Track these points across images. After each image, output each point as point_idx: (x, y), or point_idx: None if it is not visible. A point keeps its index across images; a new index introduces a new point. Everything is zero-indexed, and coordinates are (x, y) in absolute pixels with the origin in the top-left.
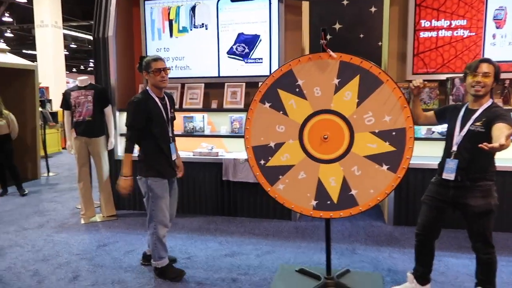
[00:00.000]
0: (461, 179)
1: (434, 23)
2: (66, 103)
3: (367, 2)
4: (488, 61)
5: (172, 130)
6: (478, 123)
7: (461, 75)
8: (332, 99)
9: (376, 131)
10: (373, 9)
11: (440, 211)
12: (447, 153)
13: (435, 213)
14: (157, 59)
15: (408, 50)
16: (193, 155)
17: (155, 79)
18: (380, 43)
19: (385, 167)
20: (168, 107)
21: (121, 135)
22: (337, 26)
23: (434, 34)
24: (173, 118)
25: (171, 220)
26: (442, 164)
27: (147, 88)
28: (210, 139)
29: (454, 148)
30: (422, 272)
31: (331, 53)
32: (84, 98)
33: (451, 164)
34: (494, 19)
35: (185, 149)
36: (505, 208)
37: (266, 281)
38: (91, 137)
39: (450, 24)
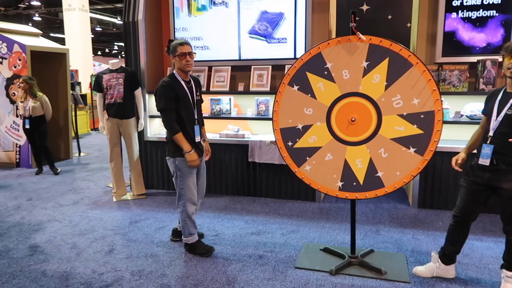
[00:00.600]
0: (496, 162)
1: (466, 2)
2: (98, 85)
3: None
4: None
5: (199, 113)
6: None
7: (492, 57)
8: (361, 82)
9: (404, 114)
10: None
11: (477, 194)
12: (484, 138)
13: (472, 196)
14: (183, 43)
15: (438, 32)
16: (220, 137)
17: (181, 63)
18: (409, 25)
19: (412, 150)
20: (194, 90)
21: (151, 117)
22: (365, 7)
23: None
24: (200, 101)
25: (200, 199)
26: (479, 148)
27: (174, 71)
28: (236, 121)
29: (491, 133)
30: (451, 252)
31: (361, 36)
32: (115, 80)
33: (487, 149)
34: None
35: (212, 131)
36: None
37: (292, 258)
38: (122, 118)
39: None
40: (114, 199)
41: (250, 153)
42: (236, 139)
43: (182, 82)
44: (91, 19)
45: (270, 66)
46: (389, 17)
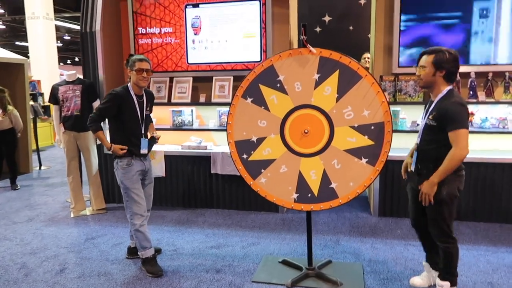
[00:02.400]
0: (420, 167)
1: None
2: (54, 97)
3: None
4: (427, 51)
5: (147, 127)
6: (430, 117)
7: None
8: (313, 94)
9: (356, 125)
10: (362, 1)
11: (416, 199)
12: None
13: (415, 201)
14: (143, 59)
15: (394, 43)
16: (182, 149)
17: (137, 77)
18: (369, 35)
19: (364, 161)
20: (145, 105)
21: None
22: (327, 18)
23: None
24: (148, 115)
25: (148, 211)
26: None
27: (129, 84)
28: (199, 132)
29: (417, 140)
30: (432, 257)
31: (311, 48)
32: (72, 92)
33: (414, 156)
34: None
35: (174, 143)
36: (472, 200)
37: (249, 272)
38: (79, 131)
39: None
40: (72, 215)
41: (213, 165)
42: (198, 151)
43: (134, 96)
44: (59, 27)
45: (232, 77)
46: (351, 28)
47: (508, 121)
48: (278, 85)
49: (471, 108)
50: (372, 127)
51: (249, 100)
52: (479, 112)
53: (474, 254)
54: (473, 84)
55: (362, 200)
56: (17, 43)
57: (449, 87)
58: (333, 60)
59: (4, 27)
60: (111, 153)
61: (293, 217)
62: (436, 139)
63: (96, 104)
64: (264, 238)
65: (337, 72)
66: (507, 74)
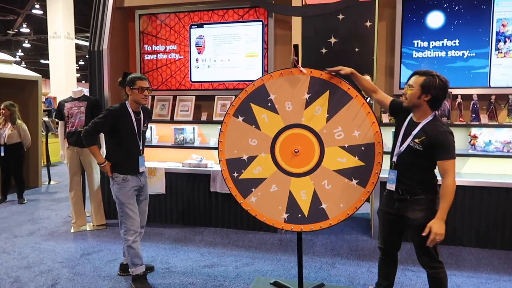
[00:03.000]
0: (402, 192)
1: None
2: (60, 113)
3: (362, 16)
4: (419, 72)
5: (143, 143)
6: (417, 140)
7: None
8: (303, 114)
9: (346, 145)
10: (368, 24)
11: (393, 224)
12: (390, 163)
13: (389, 226)
14: (142, 78)
15: (395, 65)
16: (183, 166)
17: (139, 96)
18: (373, 57)
19: (354, 182)
20: (142, 122)
21: None
22: (333, 40)
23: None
24: (145, 131)
25: (142, 228)
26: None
27: (126, 102)
28: (200, 150)
29: (394, 159)
30: (385, 286)
31: (302, 68)
32: (77, 109)
33: (392, 174)
34: None
35: (176, 160)
36: (475, 225)
37: None
38: (83, 147)
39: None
40: (72, 230)
41: (212, 183)
42: (199, 169)
43: (132, 114)
44: (81, 46)
45: (233, 96)
46: (356, 49)
47: None
48: (269, 104)
49: (474, 130)
50: (363, 148)
51: (240, 118)
52: (483, 135)
53: (475, 282)
54: (475, 106)
55: (364, 222)
56: (41, 61)
57: (433, 113)
58: (324, 80)
59: (29, 45)
60: (100, 169)
61: (292, 238)
62: (419, 164)
63: None
64: (259, 259)
65: (327, 92)
66: (510, 97)
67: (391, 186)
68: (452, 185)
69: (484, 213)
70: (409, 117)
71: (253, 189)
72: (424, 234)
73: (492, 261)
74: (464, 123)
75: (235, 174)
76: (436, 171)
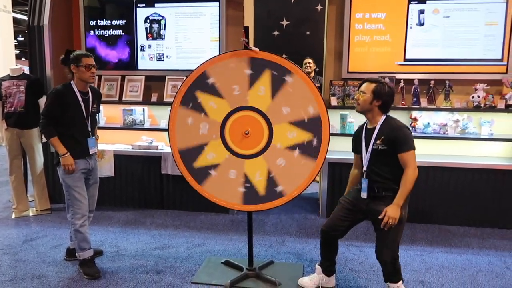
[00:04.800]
0: (377, 190)
1: (367, 25)
2: None
3: (313, 0)
4: (370, 80)
5: (93, 125)
6: (378, 141)
7: (390, 74)
8: (248, 95)
9: (293, 120)
10: (319, 7)
11: (352, 214)
12: (361, 173)
13: (346, 215)
14: (88, 55)
15: (344, 49)
16: (132, 149)
17: (86, 74)
18: (324, 41)
19: (306, 155)
20: (91, 102)
21: None
22: (285, 22)
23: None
24: (95, 112)
25: (90, 213)
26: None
27: (72, 81)
28: (150, 132)
29: (365, 168)
30: (327, 266)
31: (254, 48)
32: (16, 88)
33: (364, 184)
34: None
35: (125, 142)
36: (435, 202)
37: (191, 273)
38: (23, 128)
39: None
40: (13, 215)
41: (163, 165)
42: (149, 151)
43: (78, 93)
44: (20, 20)
45: (185, 77)
46: (307, 32)
47: (448, 127)
48: (214, 89)
49: (414, 113)
50: (310, 121)
51: (187, 107)
52: (422, 118)
53: (411, 254)
54: (416, 91)
55: (313, 202)
56: None
57: (384, 114)
58: (263, 60)
59: None
60: (62, 160)
61: (243, 218)
62: (389, 162)
63: (42, 100)
64: (211, 239)
65: (268, 71)
66: (447, 82)
67: (364, 195)
68: (412, 174)
69: (421, 191)
70: (363, 130)
71: (208, 175)
72: (380, 217)
73: (427, 235)
74: (406, 106)
75: (190, 162)
76: None
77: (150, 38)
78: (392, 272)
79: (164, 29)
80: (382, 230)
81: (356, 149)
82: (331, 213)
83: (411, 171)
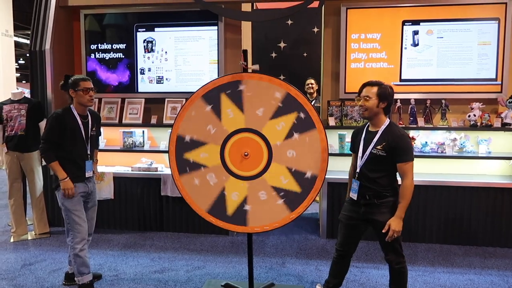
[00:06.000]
0: (369, 197)
1: (363, 45)
2: None
3: (309, 23)
4: (371, 83)
5: (93, 148)
6: (379, 147)
7: None
8: (266, 124)
9: (293, 169)
10: (315, 30)
11: (355, 228)
12: (354, 173)
13: (351, 231)
14: (86, 79)
15: (341, 70)
16: (132, 170)
17: (84, 97)
18: (321, 62)
19: (284, 204)
20: (90, 126)
21: None
22: (282, 44)
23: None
24: (96, 136)
25: (89, 235)
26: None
27: (71, 105)
28: (150, 154)
29: (358, 169)
30: (334, 284)
31: (251, 68)
32: (17, 112)
33: (355, 185)
34: None
35: (125, 164)
36: (435, 222)
37: None
38: (23, 152)
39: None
40: (12, 240)
41: (163, 187)
42: (149, 173)
43: (77, 117)
44: (21, 44)
45: (184, 100)
46: (305, 54)
47: (446, 145)
48: (239, 101)
49: (412, 133)
50: (306, 177)
51: (206, 102)
52: (420, 137)
53: (413, 274)
54: (413, 110)
55: (313, 222)
56: None
57: (388, 119)
58: (297, 101)
59: None
60: (61, 185)
61: (243, 239)
62: (385, 169)
63: (43, 124)
64: (211, 262)
65: (295, 113)
66: (443, 101)
67: (353, 195)
68: (410, 185)
69: (421, 209)
70: (364, 131)
71: (191, 171)
72: (384, 231)
73: (428, 255)
74: (403, 125)
75: (181, 151)
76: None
77: (147, 52)
78: (399, 283)
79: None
80: (383, 236)
81: (354, 148)
82: (339, 232)
83: (409, 182)
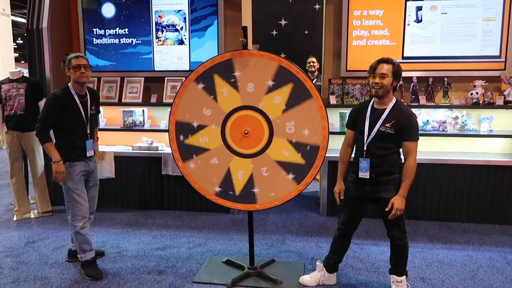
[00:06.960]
0: (375, 176)
1: (365, 22)
2: None
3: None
4: (386, 61)
5: (93, 127)
6: (387, 125)
7: None
8: (262, 99)
9: (293, 140)
10: (317, 7)
11: (360, 208)
12: (359, 152)
13: (355, 211)
14: (78, 56)
15: (343, 48)
16: (132, 150)
17: (75, 74)
18: (322, 40)
19: (290, 176)
20: (89, 104)
21: None
22: (283, 22)
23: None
24: (95, 114)
25: (90, 214)
26: (356, 163)
27: (69, 84)
28: (150, 133)
29: (365, 147)
30: (335, 261)
31: (251, 47)
32: (15, 91)
33: (364, 163)
34: None
35: (125, 143)
36: (435, 199)
37: (192, 272)
38: (23, 131)
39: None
40: (15, 218)
41: (164, 166)
42: (149, 152)
43: (75, 96)
44: (19, 23)
45: (184, 78)
46: (306, 32)
47: (448, 124)
48: (232, 80)
49: (413, 111)
50: (308, 147)
51: (200, 86)
52: (421, 116)
53: (412, 251)
54: (415, 88)
55: (313, 200)
56: None
57: (394, 97)
58: (290, 73)
59: None
60: (53, 167)
61: (244, 217)
62: (391, 146)
63: (42, 103)
64: (212, 239)
65: (290, 85)
66: (445, 79)
67: (365, 174)
68: (414, 165)
69: (421, 187)
70: (369, 108)
71: (194, 156)
72: (387, 209)
73: (427, 232)
74: (405, 103)
75: (181, 138)
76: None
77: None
78: (400, 258)
79: None
80: (388, 213)
81: (354, 125)
82: (342, 212)
83: (413, 161)
